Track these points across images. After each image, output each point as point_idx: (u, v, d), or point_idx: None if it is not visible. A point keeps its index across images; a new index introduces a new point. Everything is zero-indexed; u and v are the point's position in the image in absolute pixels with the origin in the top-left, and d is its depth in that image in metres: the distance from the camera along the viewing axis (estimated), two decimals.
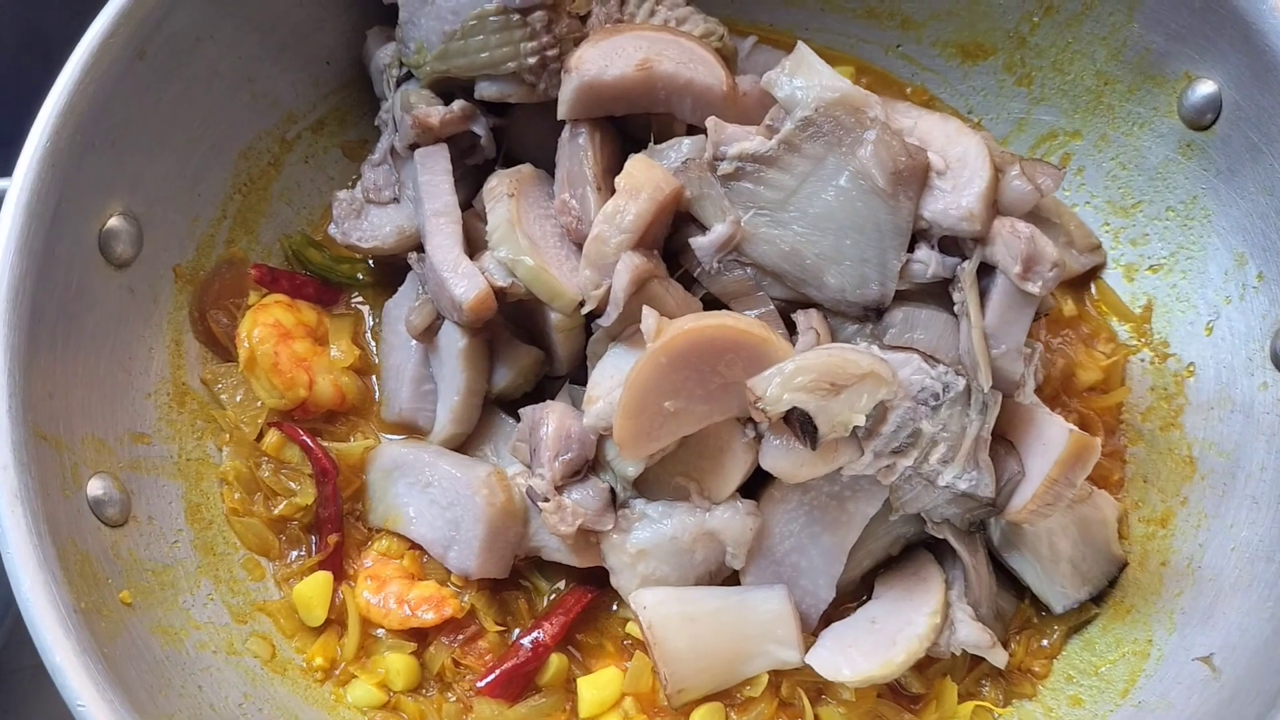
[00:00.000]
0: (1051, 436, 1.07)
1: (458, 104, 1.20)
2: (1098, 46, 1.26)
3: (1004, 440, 1.10)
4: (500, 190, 1.17)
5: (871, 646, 1.09)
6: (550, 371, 1.24)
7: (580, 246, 1.13)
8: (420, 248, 1.21)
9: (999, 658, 1.11)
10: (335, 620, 1.17)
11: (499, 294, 1.14)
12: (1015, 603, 1.19)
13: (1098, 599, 1.17)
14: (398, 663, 1.14)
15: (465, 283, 1.13)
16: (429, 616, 1.14)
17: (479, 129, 1.22)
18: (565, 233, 1.17)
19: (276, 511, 1.18)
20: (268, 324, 1.20)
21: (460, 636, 1.16)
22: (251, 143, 1.26)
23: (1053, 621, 1.18)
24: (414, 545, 1.18)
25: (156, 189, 1.16)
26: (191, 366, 1.21)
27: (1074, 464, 1.06)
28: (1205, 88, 1.18)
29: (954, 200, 1.05)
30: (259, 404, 1.21)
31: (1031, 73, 1.33)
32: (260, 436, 1.20)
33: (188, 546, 1.14)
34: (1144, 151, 1.26)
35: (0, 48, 1.60)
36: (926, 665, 1.13)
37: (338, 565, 1.18)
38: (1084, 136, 1.31)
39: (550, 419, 1.12)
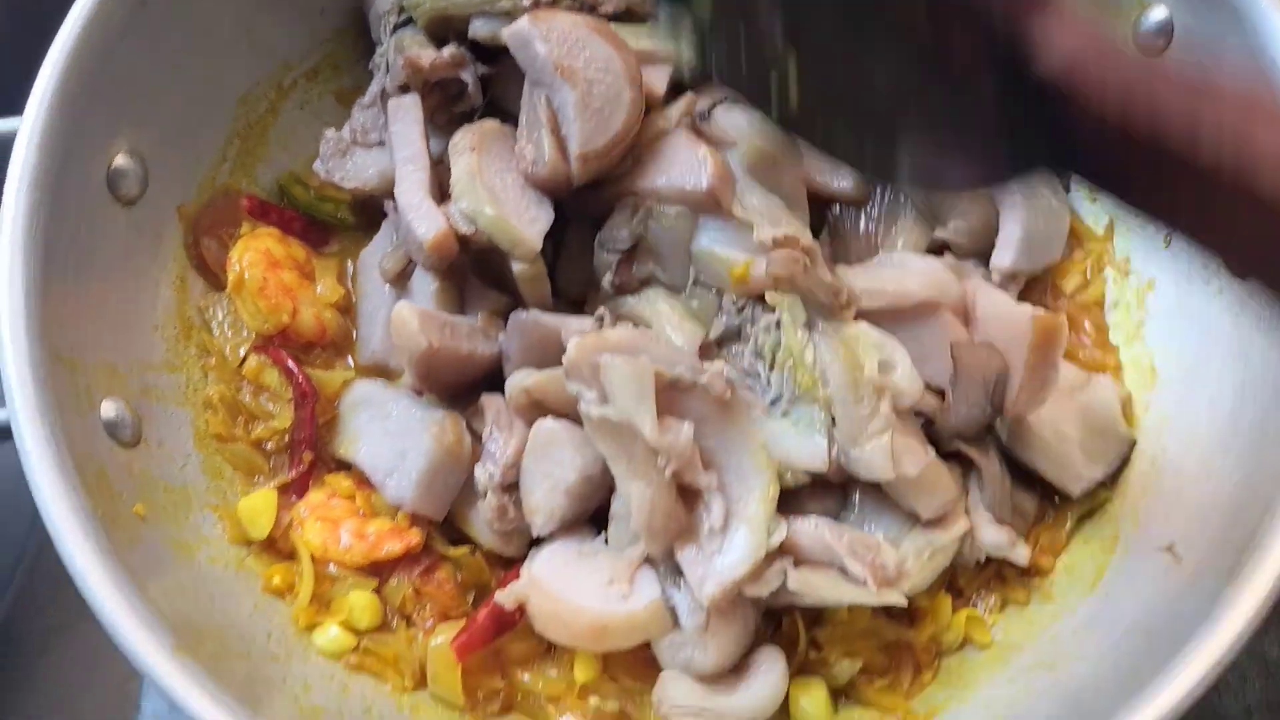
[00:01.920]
0: (1018, 325, 1.12)
1: (448, 49, 1.25)
2: None
3: (985, 343, 1.15)
4: (463, 144, 1.21)
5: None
6: None
7: (542, 192, 1.18)
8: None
9: (1021, 555, 1.13)
10: (289, 555, 1.19)
11: (463, 241, 1.18)
12: (1033, 499, 1.21)
13: (1113, 479, 1.20)
14: (361, 600, 1.15)
15: (426, 223, 1.17)
16: (394, 547, 1.16)
17: (467, 76, 1.26)
18: (526, 182, 1.20)
19: (253, 434, 1.22)
20: (258, 250, 1.25)
21: (417, 570, 1.18)
22: (250, 89, 1.32)
23: (1065, 511, 1.20)
24: (362, 485, 1.21)
25: (160, 132, 1.21)
26: (196, 303, 1.26)
27: (1046, 345, 1.10)
28: (1158, 14, 1.21)
29: None
30: (244, 331, 1.26)
31: None
32: (243, 363, 1.25)
33: (197, 470, 1.19)
34: None
35: None
36: None
37: (304, 484, 1.21)
38: None
39: (516, 432, 1.16)
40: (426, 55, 1.24)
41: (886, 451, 1.07)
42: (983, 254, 1.28)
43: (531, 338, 1.18)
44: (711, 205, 1.17)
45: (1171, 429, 1.19)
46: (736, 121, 1.20)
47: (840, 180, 1.26)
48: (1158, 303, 1.27)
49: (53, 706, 1.91)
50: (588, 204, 1.22)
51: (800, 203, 1.22)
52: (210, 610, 1.07)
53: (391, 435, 1.21)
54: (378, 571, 1.18)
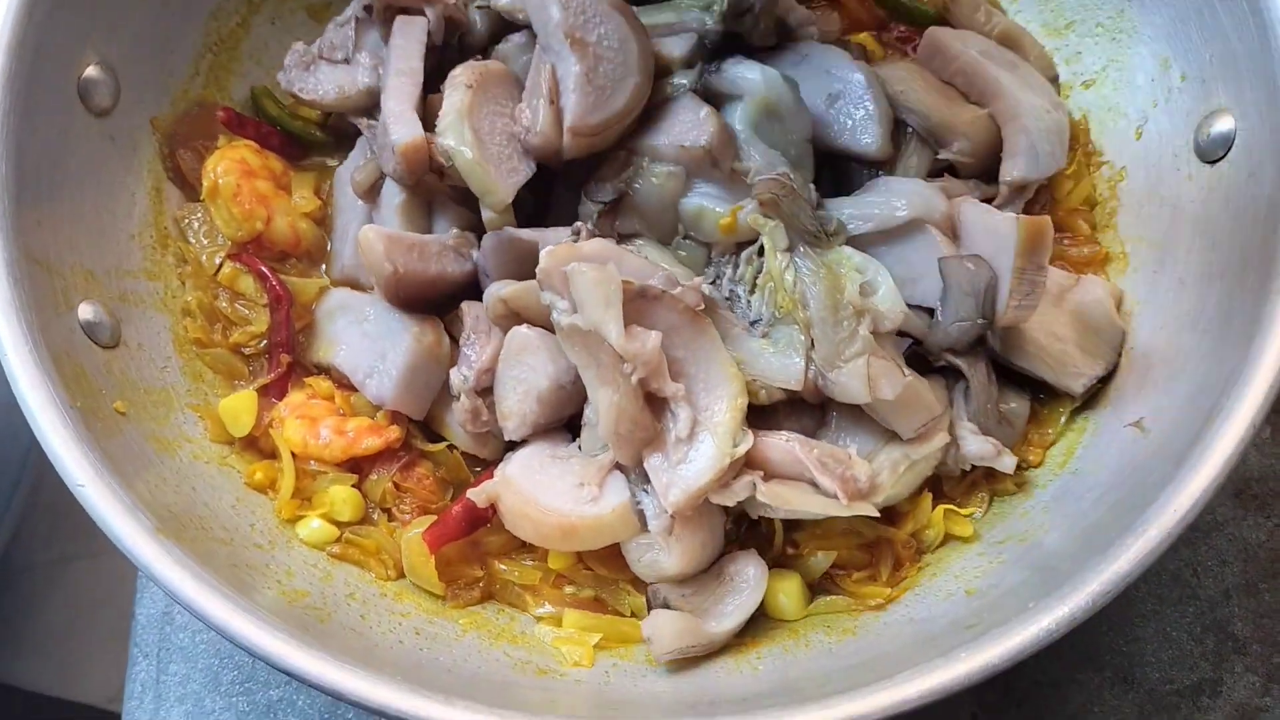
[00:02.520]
0: (1003, 230, 1.13)
1: None
2: None
3: (973, 255, 1.15)
4: (460, 80, 1.21)
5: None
6: None
7: (526, 154, 1.19)
8: (357, 112, 1.27)
9: (1007, 464, 1.14)
10: (271, 454, 1.21)
11: (439, 169, 1.19)
12: (1024, 402, 1.21)
13: (1109, 376, 1.20)
14: (341, 494, 1.17)
15: (405, 129, 1.18)
16: (373, 442, 1.18)
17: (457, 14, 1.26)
18: (514, 137, 1.21)
19: (231, 339, 1.24)
20: (234, 159, 1.27)
21: (396, 465, 1.20)
22: (220, 3, 1.32)
23: (1058, 408, 1.21)
24: (342, 386, 1.23)
25: (131, 43, 1.22)
26: (172, 213, 1.28)
27: (1033, 248, 1.11)
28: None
29: None
30: (220, 239, 1.27)
31: None
32: (219, 270, 1.26)
33: (177, 373, 1.20)
34: None
35: None
36: None
37: (283, 386, 1.23)
38: None
39: (492, 339, 1.17)
40: None
41: (863, 375, 1.08)
42: (988, 172, 1.29)
43: (509, 254, 1.20)
44: (708, 164, 1.18)
45: (1142, 311, 1.20)
46: (746, 74, 1.21)
47: (864, 138, 1.25)
48: (1129, 192, 1.27)
49: (55, 635, 1.94)
50: (577, 173, 1.23)
51: (806, 161, 1.22)
52: (193, 501, 1.09)
53: (370, 338, 1.22)
54: (357, 468, 1.20)
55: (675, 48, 1.24)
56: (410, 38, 1.25)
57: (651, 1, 1.26)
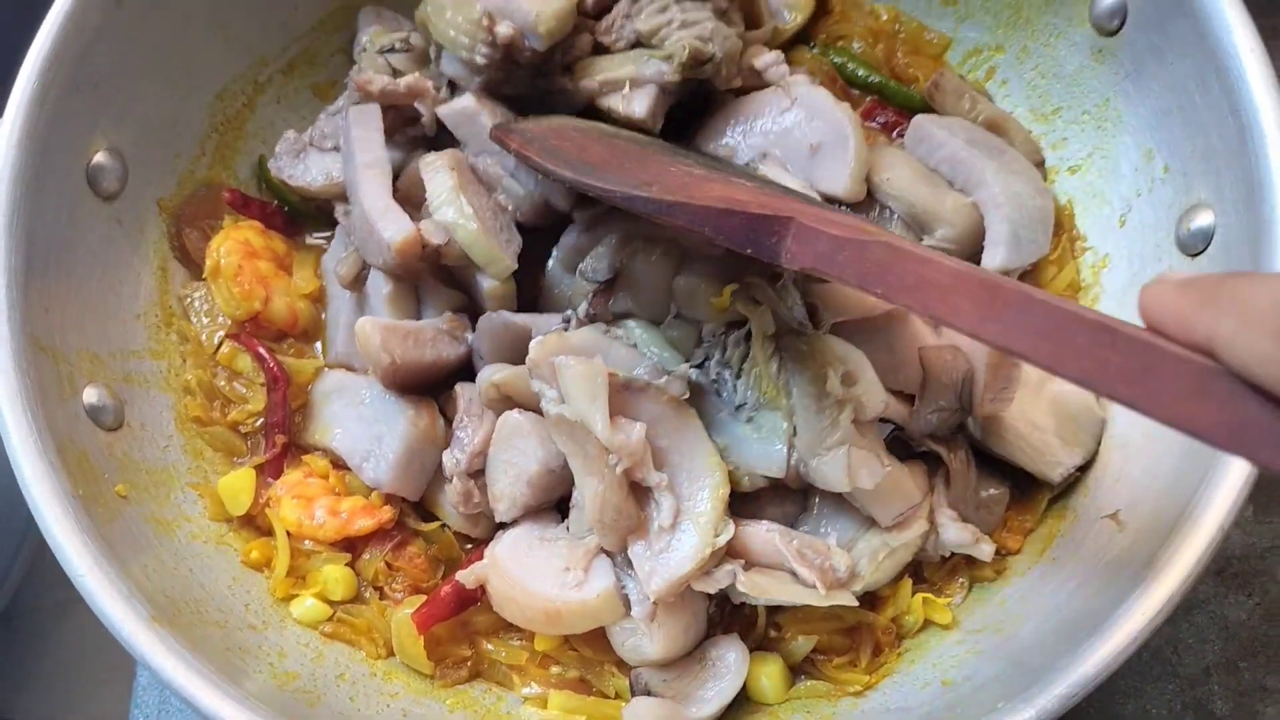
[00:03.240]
0: None
1: (406, 79, 1.29)
2: None
3: (951, 346, 1.18)
4: (439, 164, 1.25)
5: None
6: None
7: (513, 225, 1.25)
8: (344, 198, 1.30)
9: (985, 551, 1.16)
10: (268, 531, 1.24)
11: (432, 253, 1.22)
12: (1003, 489, 1.23)
13: (1090, 462, 1.21)
14: (335, 574, 1.21)
15: (395, 225, 1.20)
16: (366, 523, 1.21)
17: (422, 109, 1.30)
18: (499, 210, 1.26)
19: (229, 417, 1.27)
20: (238, 240, 1.31)
21: (389, 545, 1.23)
22: (226, 85, 1.36)
23: (1039, 495, 1.23)
24: (337, 466, 1.26)
25: (139, 128, 1.26)
26: (177, 291, 1.31)
27: None
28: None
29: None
30: (220, 318, 1.31)
31: None
32: (218, 349, 1.30)
33: (178, 451, 1.24)
34: (1060, 60, 1.34)
35: None
36: None
37: (279, 466, 1.26)
38: (1006, 50, 1.39)
39: (485, 422, 1.20)
40: (379, 80, 1.29)
41: (843, 465, 1.10)
42: (972, 257, 1.30)
43: (502, 338, 1.23)
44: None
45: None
46: None
47: (836, 185, 1.29)
48: (1112, 279, 1.29)
49: (57, 679, 1.98)
50: (571, 259, 1.27)
51: None
52: (189, 583, 1.12)
53: (366, 421, 1.25)
54: (351, 547, 1.23)
55: (637, 105, 1.27)
56: (369, 127, 1.28)
57: (606, 53, 1.30)
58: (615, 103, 1.28)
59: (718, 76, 1.29)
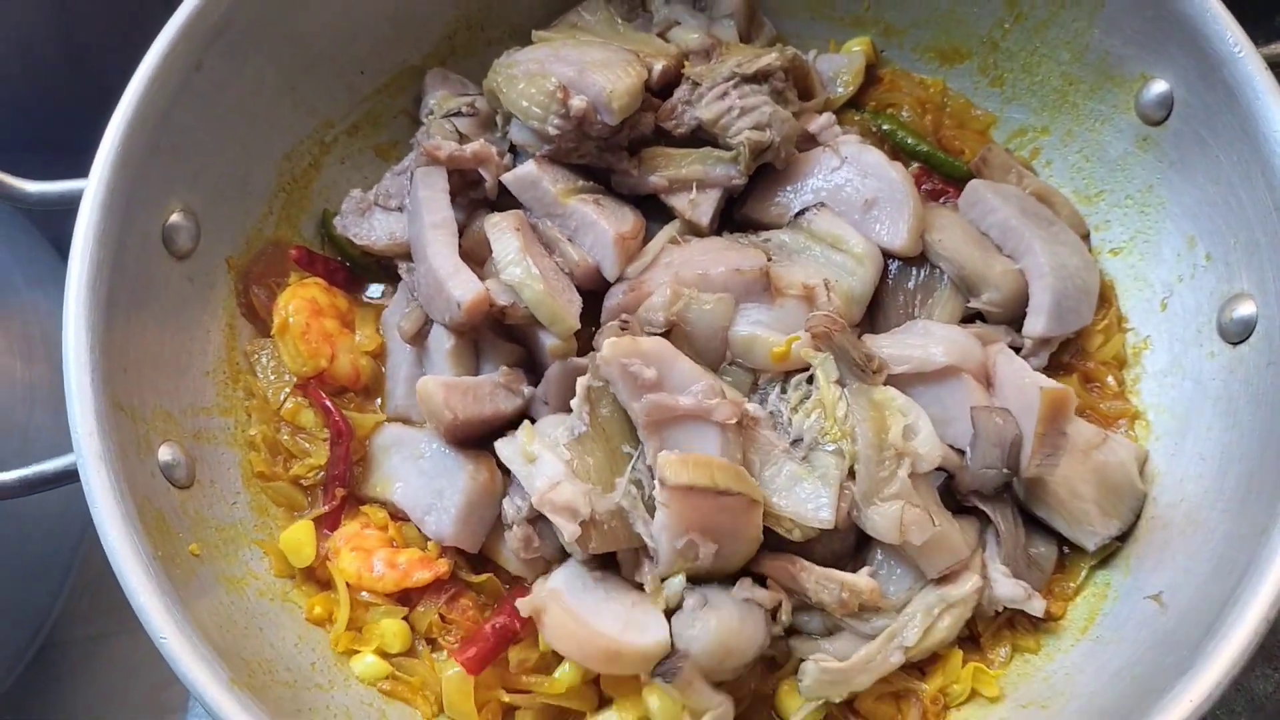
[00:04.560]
0: (1029, 394, 1.19)
1: (472, 146, 1.33)
2: (1062, 50, 1.38)
3: (1002, 409, 1.22)
4: (505, 225, 1.29)
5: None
6: None
7: (573, 285, 1.28)
8: (407, 257, 1.34)
9: (1037, 607, 1.20)
10: (327, 584, 1.27)
11: (499, 313, 1.26)
12: (1052, 549, 1.27)
13: (1127, 533, 1.26)
14: (392, 627, 1.23)
15: (465, 285, 1.24)
16: (424, 575, 1.24)
17: (486, 174, 1.34)
18: (559, 271, 1.29)
19: (292, 471, 1.30)
20: (304, 298, 1.34)
21: (443, 597, 1.26)
22: (294, 146, 1.40)
23: (1079, 561, 1.26)
24: (395, 518, 1.29)
25: (211, 188, 1.29)
26: (243, 348, 1.34)
27: (1054, 416, 1.17)
28: (1158, 87, 1.30)
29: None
30: (285, 375, 1.34)
31: (1003, 75, 1.45)
32: (283, 405, 1.33)
33: (245, 508, 1.27)
34: (1105, 145, 1.38)
35: (48, 61, 1.74)
36: None
37: (337, 519, 1.29)
38: (1051, 132, 1.44)
39: (545, 474, 1.21)
40: (446, 146, 1.32)
41: (895, 520, 1.14)
42: (1015, 321, 1.34)
43: (570, 381, 1.26)
44: (760, 287, 1.25)
45: (1162, 483, 1.26)
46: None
47: (898, 239, 1.33)
48: (1153, 361, 1.33)
49: (94, 709, 1.99)
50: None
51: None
52: (260, 643, 1.15)
53: (427, 475, 1.28)
54: (407, 599, 1.26)
55: (703, 211, 1.33)
56: (435, 189, 1.32)
57: (680, 145, 1.34)
58: (681, 204, 1.33)
59: (778, 158, 1.33)
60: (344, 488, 1.30)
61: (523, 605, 1.17)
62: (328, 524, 1.29)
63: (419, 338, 1.33)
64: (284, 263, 1.38)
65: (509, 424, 1.30)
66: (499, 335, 1.33)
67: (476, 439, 1.28)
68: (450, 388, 1.25)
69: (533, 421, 1.27)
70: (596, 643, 1.15)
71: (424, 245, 1.29)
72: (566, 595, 1.18)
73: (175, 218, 1.25)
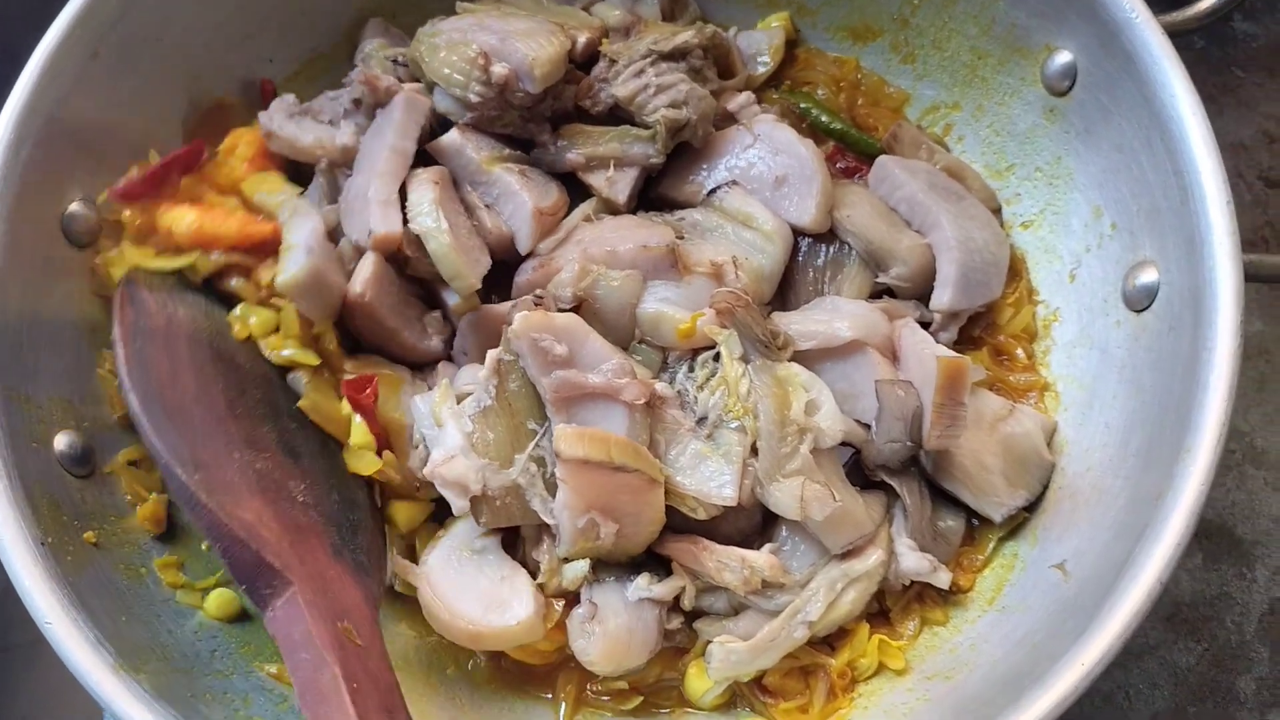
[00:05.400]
0: (929, 367, 1.19)
1: (413, 85, 1.32)
2: (970, 24, 1.39)
3: (904, 381, 1.22)
4: (425, 177, 1.29)
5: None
6: None
7: (485, 249, 1.28)
8: (331, 164, 1.33)
9: (943, 579, 1.20)
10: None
11: (405, 259, 1.26)
12: (960, 522, 1.27)
13: (1034, 504, 1.26)
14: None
15: (386, 220, 1.25)
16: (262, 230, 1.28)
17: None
18: (474, 233, 1.29)
19: None
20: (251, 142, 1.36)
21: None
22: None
23: (988, 533, 1.26)
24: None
25: (112, 179, 1.28)
26: None
27: (951, 386, 1.17)
28: (1062, 57, 1.30)
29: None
30: None
31: (915, 51, 1.45)
32: None
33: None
34: (1014, 119, 1.38)
35: None
36: None
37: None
38: (963, 108, 1.44)
39: (444, 444, 1.20)
40: (385, 79, 1.31)
41: (796, 496, 1.14)
42: (924, 296, 1.34)
43: (483, 331, 1.28)
44: (668, 264, 1.25)
45: (1070, 452, 1.26)
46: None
47: (805, 215, 1.32)
48: (1062, 332, 1.33)
49: (32, 716, 1.97)
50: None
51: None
52: (155, 629, 1.14)
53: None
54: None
55: (620, 190, 1.32)
56: (411, 120, 1.31)
57: (599, 123, 1.34)
58: (598, 182, 1.33)
59: (695, 136, 1.33)
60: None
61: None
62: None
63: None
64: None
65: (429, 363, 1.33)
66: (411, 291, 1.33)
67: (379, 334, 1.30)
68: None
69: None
70: (458, 624, 1.18)
71: (374, 162, 1.28)
72: (434, 574, 1.21)
73: (74, 206, 1.24)
